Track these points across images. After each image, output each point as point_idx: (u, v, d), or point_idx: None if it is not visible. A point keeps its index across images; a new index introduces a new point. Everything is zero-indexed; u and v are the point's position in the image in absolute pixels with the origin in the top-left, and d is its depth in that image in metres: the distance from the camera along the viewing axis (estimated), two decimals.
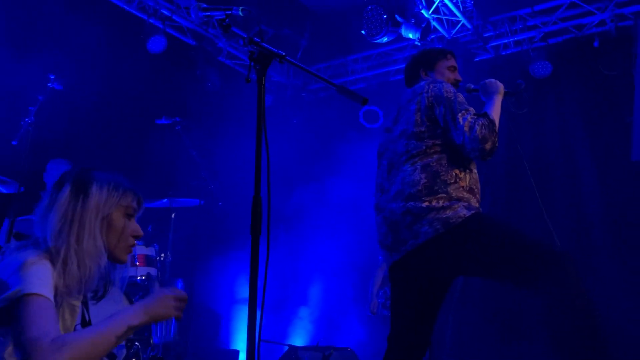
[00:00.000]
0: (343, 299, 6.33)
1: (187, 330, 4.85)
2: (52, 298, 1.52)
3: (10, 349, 1.51)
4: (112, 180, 1.73)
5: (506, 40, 6.03)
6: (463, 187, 2.45)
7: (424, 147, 2.47)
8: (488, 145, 2.39)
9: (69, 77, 4.27)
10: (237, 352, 5.70)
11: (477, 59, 6.21)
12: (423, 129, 2.49)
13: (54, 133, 4.55)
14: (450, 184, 2.41)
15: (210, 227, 5.37)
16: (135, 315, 1.59)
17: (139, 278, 4.38)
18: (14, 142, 3.94)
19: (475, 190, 2.53)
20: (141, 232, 1.78)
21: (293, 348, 4.42)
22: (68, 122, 4.85)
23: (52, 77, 4.06)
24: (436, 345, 4.89)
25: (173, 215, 4.96)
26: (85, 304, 1.77)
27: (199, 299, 5.55)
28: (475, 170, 2.59)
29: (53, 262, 1.58)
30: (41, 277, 1.51)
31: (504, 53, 6.14)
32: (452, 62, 2.84)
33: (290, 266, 6.74)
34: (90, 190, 1.67)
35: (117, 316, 1.57)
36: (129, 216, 1.74)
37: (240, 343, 6.13)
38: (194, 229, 5.08)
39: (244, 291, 6.26)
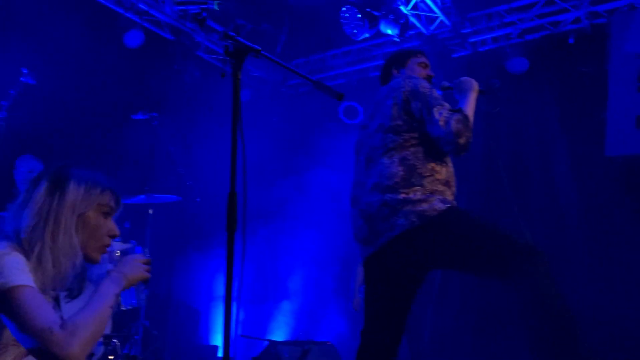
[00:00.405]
0: (323, 293, 6.35)
1: (166, 326, 4.82)
2: (36, 287, 1.52)
3: (7, 332, 1.51)
4: (91, 178, 1.71)
5: (484, 37, 6.08)
6: (439, 180, 2.49)
7: (401, 140, 2.51)
8: (462, 140, 2.43)
9: (43, 72, 4.19)
10: (216, 348, 5.69)
11: (455, 56, 6.25)
12: (400, 123, 2.53)
13: (27, 128, 4.47)
14: (426, 177, 2.45)
15: (188, 223, 5.35)
16: (116, 283, 1.66)
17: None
18: None
19: (451, 183, 2.58)
20: (117, 232, 1.76)
21: (273, 343, 4.42)
22: (42, 117, 4.76)
23: (25, 71, 3.99)
24: (415, 339, 4.92)
25: (150, 212, 4.92)
26: (57, 300, 1.75)
27: (177, 295, 5.53)
28: (450, 164, 2.63)
29: (26, 256, 1.56)
30: (20, 268, 1.50)
31: (481, 49, 6.19)
32: (422, 59, 2.92)
33: (270, 261, 6.74)
34: (67, 188, 1.65)
35: (102, 288, 1.62)
36: (105, 215, 1.72)
37: (219, 339, 6.12)
38: (172, 225, 5.05)
39: (222, 287, 6.24)
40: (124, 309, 4.31)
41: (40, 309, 1.46)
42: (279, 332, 6.22)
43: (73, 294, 1.76)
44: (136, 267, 1.73)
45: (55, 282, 1.62)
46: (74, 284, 1.72)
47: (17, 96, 3.93)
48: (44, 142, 4.78)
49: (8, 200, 4.05)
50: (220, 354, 5.57)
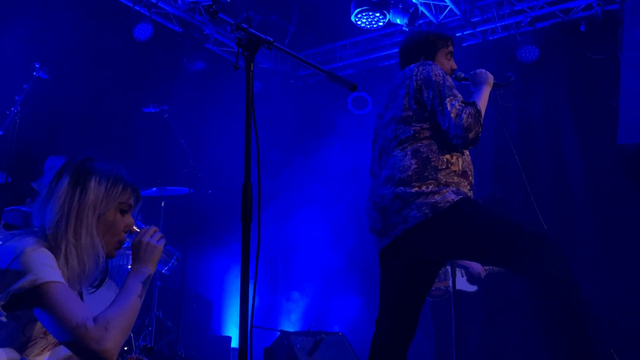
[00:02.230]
0: (334, 284, 6.37)
1: (179, 317, 4.86)
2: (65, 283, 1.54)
3: (37, 325, 1.54)
4: (112, 174, 1.70)
5: (493, 25, 6.04)
6: (455, 171, 2.46)
7: (413, 132, 2.48)
8: (471, 135, 2.41)
9: (55, 66, 4.22)
10: (229, 339, 5.73)
11: (465, 44, 6.21)
12: (411, 114, 2.50)
13: (40, 122, 4.51)
14: (441, 169, 2.43)
15: (200, 215, 5.37)
16: (142, 272, 1.69)
17: (129, 267, 4.36)
18: (0, 132, 3.89)
19: (469, 172, 2.54)
20: (135, 228, 1.76)
21: (285, 333, 4.44)
22: (54, 111, 4.80)
23: (37, 65, 4.00)
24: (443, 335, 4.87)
25: (163, 204, 4.95)
26: (80, 294, 1.77)
27: (190, 287, 5.57)
28: (467, 153, 2.60)
29: (53, 252, 1.57)
30: (49, 264, 1.52)
31: (491, 38, 6.15)
32: (450, 48, 2.82)
33: (280, 252, 6.77)
34: (88, 185, 1.65)
35: (129, 282, 1.65)
36: (123, 212, 1.72)
37: (232, 329, 6.17)
38: (184, 217, 5.08)
39: (235, 278, 6.28)
40: None
41: (73, 305, 1.49)
42: (290, 323, 6.25)
43: (94, 285, 1.78)
44: (150, 249, 1.72)
45: (81, 279, 1.65)
46: (96, 277, 1.74)
47: (30, 91, 3.95)
48: (56, 135, 4.82)
49: (24, 194, 4.11)
50: (233, 344, 5.62)
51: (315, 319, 6.10)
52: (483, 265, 4.57)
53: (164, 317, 4.98)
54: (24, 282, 1.47)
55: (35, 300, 1.48)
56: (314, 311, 6.41)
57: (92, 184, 1.65)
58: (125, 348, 4.10)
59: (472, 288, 4.68)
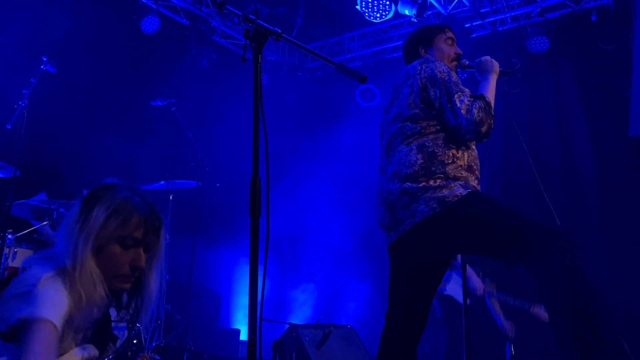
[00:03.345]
0: (343, 276, 6.37)
1: (188, 310, 4.88)
2: (59, 324, 1.49)
3: None
4: (117, 204, 1.62)
5: (503, 16, 5.97)
6: (461, 166, 2.45)
7: (419, 128, 2.47)
8: (484, 128, 2.40)
9: (62, 59, 4.21)
10: (238, 331, 5.75)
11: (474, 35, 6.15)
12: (417, 111, 2.48)
13: (48, 116, 4.52)
14: (448, 164, 2.41)
15: (208, 208, 5.38)
16: None
17: None
18: (8, 126, 3.90)
19: (475, 167, 2.53)
20: (141, 263, 1.64)
21: (293, 326, 4.45)
22: (62, 104, 4.80)
23: (44, 59, 4.00)
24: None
25: (171, 197, 4.96)
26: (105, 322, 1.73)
27: (199, 280, 5.58)
28: (474, 147, 2.58)
29: (66, 281, 1.54)
30: (54, 300, 1.48)
31: (500, 29, 6.09)
32: (449, 34, 2.79)
33: (289, 244, 6.77)
34: (91, 213, 1.60)
35: None
36: (126, 246, 1.62)
37: (240, 322, 6.18)
38: (192, 210, 5.08)
39: (243, 271, 6.29)
40: None
41: (42, 348, 1.43)
42: (299, 316, 6.26)
43: (125, 319, 1.74)
44: None
45: (85, 309, 1.60)
46: (96, 336, 1.69)
47: (37, 84, 3.95)
48: (64, 129, 4.83)
49: (32, 187, 4.12)
50: (242, 337, 5.64)
51: (324, 311, 6.11)
52: (494, 259, 4.53)
53: (172, 311, 5.00)
54: (22, 316, 1.45)
55: (22, 330, 1.45)
56: (322, 304, 6.42)
57: (94, 213, 1.60)
58: (135, 341, 4.11)
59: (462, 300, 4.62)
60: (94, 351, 1.68)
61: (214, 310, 5.94)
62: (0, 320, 1.49)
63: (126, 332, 4.02)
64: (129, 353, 3.94)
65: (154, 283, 1.72)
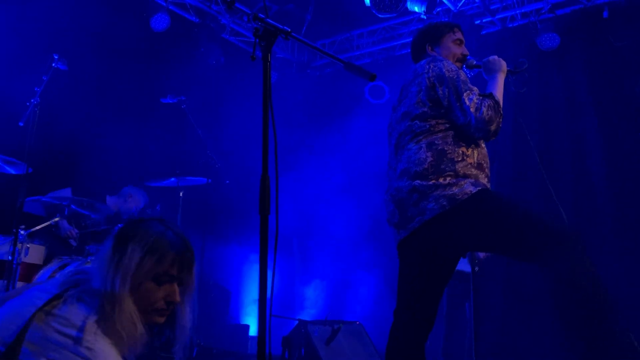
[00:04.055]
0: (352, 273, 6.38)
1: (198, 306, 4.91)
2: None
3: None
4: (151, 242, 1.61)
5: (513, 13, 5.94)
6: (471, 163, 2.44)
7: (428, 126, 2.47)
8: (493, 127, 2.40)
9: (73, 57, 4.25)
10: (247, 327, 5.78)
11: (484, 32, 6.13)
12: (425, 110, 2.48)
13: (59, 113, 4.56)
14: (458, 161, 2.41)
15: (218, 205, 5.40)
16: None
17: None
18: (20, 123, 3.94)
19: (484, 165, 2.52)
20: (176, 298, 1.63)
21: (302, 322, 4.46)
22: (73, 102, 4.84)
23: (56, 57, 4.03)
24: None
25: (181, 194, 4.99)
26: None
27: (208, 276, 5.61)
28: (483, 145, 2.58)
29: (109, 326, 1.53)
30: (108, 355, 1.49)
31: (510, 25, 6.05)
32: (458, 35, 2.78)
33: (298, 241, 6.79)
34: (125, 252, 1.59)
35: None
36: (160, 282, 1.62)
37: (250, 318, 6.22)
38: (202, 207, 5.11)
39: (252, 267, 6.32)
40: None
41: None
42: (308, 312, 6.28)
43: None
44: None
45: (125, 345, 1.58)
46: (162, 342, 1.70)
47: (49, 82, 3.98)
48: (76, 126, 4.87)
49: (44, 184, 4.16)
50: (251, 333, 5.67)
51: (332, 307, 6.12)
52: (503, 257, 4.51)
53: None
54: None
55: None
56: (331, 299, 6.43)
57: (128, 252, 1.59)
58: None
59: (466, 267, 4.56)
60: None
61: (224, 306, 5.97)
62: (38, 354, 1.46)
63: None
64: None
65: (187, 315, 1.72)
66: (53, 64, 4.02)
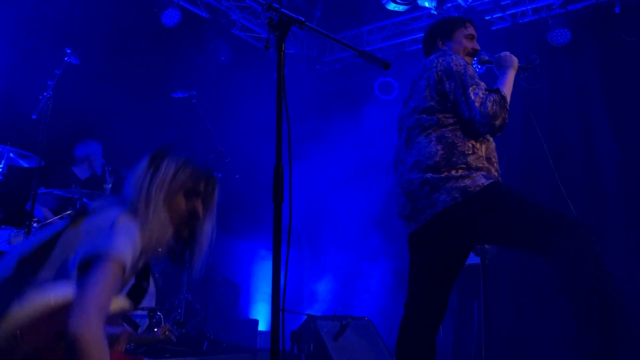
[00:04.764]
0: (361, 268, 6.38)
1: (207, 300, 4.94)
2: (129, 265, 1.59)
3: None
4: (184, 159, 1.80)
5: (524, 8, 5.91)
6: (481, 157, 2.44)
7: (436, 119, 2.47)
8: (498, 122, 2.39)
9: (86, 51, 4.28)
10: (256, 322, 5.80)
11: (494, 28, 6.10)
12: (433, 104, 2.49)
13: (72, 107, 4.59)
14: (469, 154, 2.41)
15: (227, 200, 5.41)
16: None
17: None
18: (33, 117, 3.97)
19: (493, 159, 2.53)
20: (200, 212, 1.81)
21: (311, 317, 4.47)
22: (85, 96, 4.88)
23: (68, 51, 4.07)
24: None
25: None
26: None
27: (218, 271, 5.64)
28: (491, 140, 2.58)
29: (139, 223, 1.67)
30: (129, 241, 1.60)
31: (521, 21, 6.02)
32: (470, 30, 2.78)
33: (306, 233, 6.80)
34: (161, 166, 1.76)
35: None
36: (189, 197, 1.78)
37: (259, 313, 6.24)
38: None
39: (262, 262, 6.34)
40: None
41: (104, 287, 1.51)
42: (316, 307, 6.29)
43: (176, 260, 1.87)
44: None
45: (151, 249, 1.73)
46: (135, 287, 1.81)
47: (62, 76, 4.02)
48: (88, 120, 4.90)
49: (57, 177, 4.18)
50: (260, 328, 5.69)
51: (341, 301, 6.13)
52: (514, 249, 4.48)
53: (192, 300, 5.06)
54: (100, 247, 1.55)
55: (89, 260, 1.54)
56: (341, 295, 6.44)
57: (164, 165, 1.77)
58: (155, 329, 4.17)
59: (475, 260, 4.55)
60: (128, 303, 1.79)
61: (233, 301, 5.99)
62: (76, 252, 1.58)
63: (147, 320, 4.09)
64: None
65: (206, 233, 1.87)
66: (66, 58, 4.06)
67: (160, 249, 1.74)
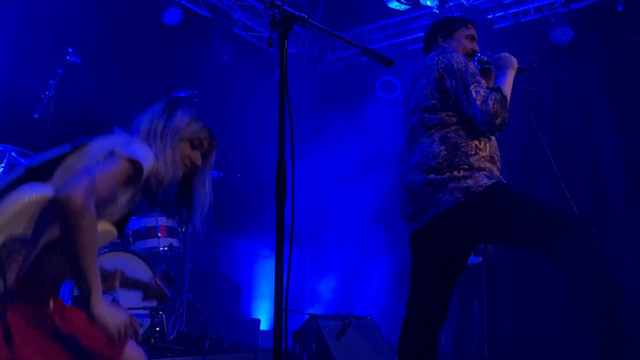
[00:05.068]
0: (362, 267, 6.37)
1: (209, 299, 4.94)
2: (145, 170, 1.73)
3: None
4: (199, 113, 1.98)
5: (526, 7, 5.90)
6: (484, 157, 2.45)
7: (439, 119, 2.47)
8: (498, 121, 2.39)
9: (87, 50, 4.28)
10: (258, 321, 5.80)
11: (496, 27, 6.09)
12: (434, 102, 2.48)
13: (73, 106, 4.59)
14: (472, 155, 2.41)
15: (229, 199, 5.41)
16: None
17: (161, 249, 4.45)
18: (35, 116, 3.97)
19: (496, 158, 2.53)
20: (198, 162, 1.96)
21: (313, 316, 4.47)
22: (87, 95, 4.88)
23: (70, 50, 4.07)
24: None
25: None
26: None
27: (220, 270, 5.63)
28: (494, 139, 2.58)
29: (152, 150, 1.81)
30: (147, 154, 1.76)
31: (523, 20, 6.01)
32: (471, 31, 2.79)
33: (309, 234, 6.80)
34: (175, 113, 1.93)
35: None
36: (193, 147, 1.94)
37: (261, 312, 6.24)
38: (214, 200, 5.12)
39: (264, 262, 6.34)
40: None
41: (105, 179, 1.64)
42: (318, 306, 6.29)
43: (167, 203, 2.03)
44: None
45: (159, 184, 1.86)
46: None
47: (63, 75, 4.02)
48: (89, 119, 4.89)
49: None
50: (262, 327, 5.68)
51: (344, 302, 6.12)
52: (517, 249, 4.49)
53: (194, 299, 5.06)
54: (116, 147, 1.71)
55: (105, 157, 1.70)
56: (343, 295, 6.43)
57: (179, 112, 1.93)
58: (157, 329, 4.17)
59: (475, 260, 4.53)
60: (113, 229, 1.85)
61: (235, 300, 5.99)
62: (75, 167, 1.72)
63: (149, 319, 4.09)
64: (152, 340, 4.00)
65: (203, 188, 2.03)
66: (67, 57, 4.07)
67: (161, 185, 1.85)
